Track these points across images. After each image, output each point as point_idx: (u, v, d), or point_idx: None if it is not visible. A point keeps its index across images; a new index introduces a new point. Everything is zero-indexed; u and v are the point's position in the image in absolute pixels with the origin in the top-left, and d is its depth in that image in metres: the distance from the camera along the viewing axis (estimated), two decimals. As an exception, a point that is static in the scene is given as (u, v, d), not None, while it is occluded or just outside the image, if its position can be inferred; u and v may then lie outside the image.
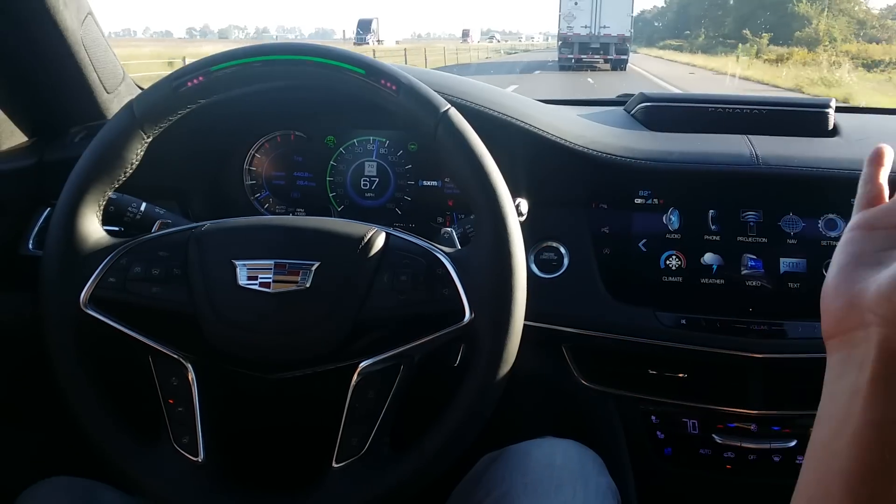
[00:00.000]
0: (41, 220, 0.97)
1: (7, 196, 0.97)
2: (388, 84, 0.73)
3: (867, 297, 0.43)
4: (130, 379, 0.78)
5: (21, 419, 1.11)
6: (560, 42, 29.58)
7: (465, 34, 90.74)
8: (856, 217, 0.49)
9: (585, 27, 28.67)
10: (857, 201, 0.51)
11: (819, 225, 0.99)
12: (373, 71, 0.73)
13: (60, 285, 0.74)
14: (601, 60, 28.68)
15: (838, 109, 1.16)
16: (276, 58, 0.74)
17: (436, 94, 0.74)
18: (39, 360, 0.76)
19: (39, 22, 0.97)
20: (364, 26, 61.81)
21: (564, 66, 28.40)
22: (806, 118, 1.13)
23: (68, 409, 0.75)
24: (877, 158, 0.52)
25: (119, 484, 0.79)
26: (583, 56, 28.33)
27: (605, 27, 28.50)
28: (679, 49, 64.51)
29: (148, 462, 0.74)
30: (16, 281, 0.94)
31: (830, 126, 1.13)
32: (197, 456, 0.74)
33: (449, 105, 0.74)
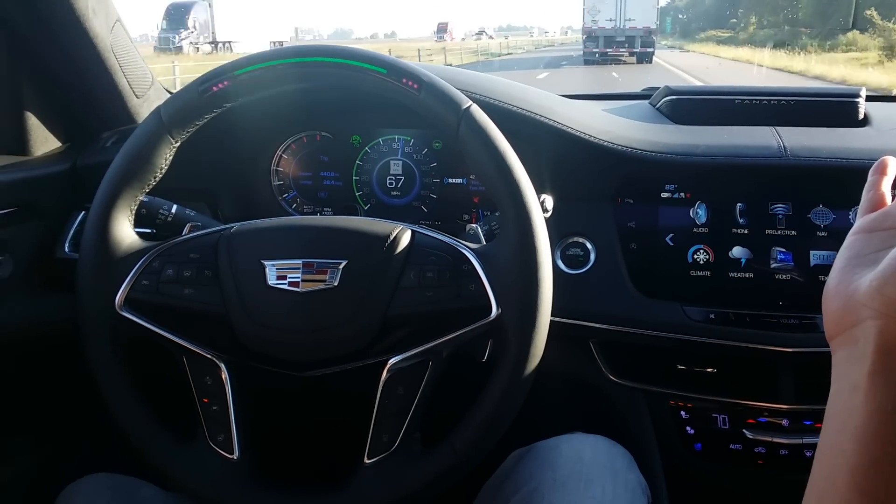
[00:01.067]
0: (76, 224, 0.99)
1: (43, 200, 0.99)
2: (410, 83, 0.73)
3: (861, 293, 0.44)
4: (166, 379, 0.80)
5: (62, 419, 1.14)
6: (584, 36, 29.35)
7: (441, 30, 69.92)
8: (857, 223, 0.52)
9: (610, 20, 28.35)
10: (860, 208, 0.55)
11: (850, 217, 0.97)
12: (394, 70, 0.74)
13: (96, 288, 0.76)
14: (626, 54, 28.38)
15: (869, 98, 1.14)
16: (298, 60, 0.75)
17: (457, 91, 0.75)
18: (77, 361, 0.77)
19: (70, 30, 1.00)
20: (175, 16, 32.88)
21: (589, 60, 28.19)
22: (835, 108, 1.11)
23: (105, 409, 0.77)
24: (881, 168, 0.56)
25: (157, 480, 0.80)
26: (608, 50, 28.06)
27: (630, 20, 28.16)
28: (732, 42, 43.45)
29: (184, 460, 0.76)
30: (53, 283, 0.97)
31: (861, 116, 1.11)
32: (232, 453, 0.75)
33: (471, 102, 0.74)
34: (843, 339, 0.46)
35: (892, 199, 0.53)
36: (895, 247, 0.43)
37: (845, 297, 0.46)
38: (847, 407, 0.44)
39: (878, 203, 0.54)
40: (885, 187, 0.55)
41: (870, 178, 0.56)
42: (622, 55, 28.30)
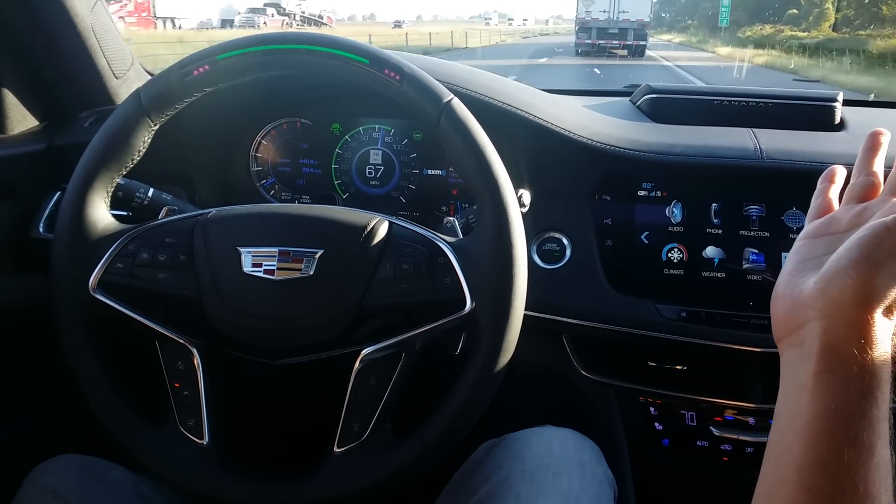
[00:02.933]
0: (51, 204, 0.98)
1: (18, 179, 0.98)
2: (392, 74, 0.73)
3: (806, 295, 0.46)
4: (138, 362, 0.80)
5: (33, 399, 1.14)
6: (577, 27, 29.31)
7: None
8: (805, 228, 0.55)
9: (604, 12, 28.30)
10: (808, 214, 0.57)
11: None
12: (376, 60, 0.74)
13: (70, 270, 0.76)
14: (619, 46, 28.31)
15: (846, 103, 1.15)
16: (280, 47, 0.75)
17: (439, 84, 0.75)
18: (50, 341, 0.77)
19: (50, 8, 0.99)
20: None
21: (581, 51, 28.17)
22: (812, 112, 1.12)
23: (77, 390, 0.77)
24: (830, 176, 0.59)
25: (127, 463, 0.81)
26: (600, 41, 28.00)
27: (623, 12, 28.13)
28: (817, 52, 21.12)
29: (154, 444, 0.76)
30: (27, 263, 0.96)
31: (837, 120, 1.12)
32: (202, 439, 0.76)
33: (452, 95, 0.75)
34: (790, 341, 0.48)
35: (839, 206, 0.55)
36: (838, 250, 0.45)
37: (792, 300, 0.48)
38: (794, 406, 0.45)
39: (825, 209, 0.56)
40: (833, 194, 0.58)
41: (819, 185, 0.59)
42: (615, 47, 28.24)
